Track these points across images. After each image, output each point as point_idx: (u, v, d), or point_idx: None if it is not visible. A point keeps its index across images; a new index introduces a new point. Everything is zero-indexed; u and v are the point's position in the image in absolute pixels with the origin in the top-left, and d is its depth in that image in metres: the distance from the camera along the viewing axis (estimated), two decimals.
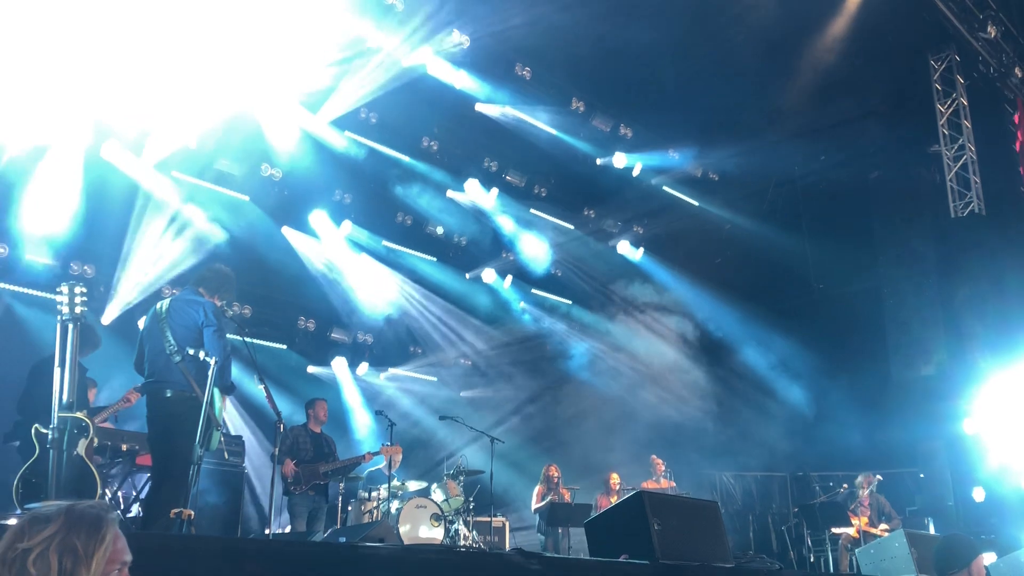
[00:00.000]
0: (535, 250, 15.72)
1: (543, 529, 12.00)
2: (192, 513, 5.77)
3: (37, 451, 6.06)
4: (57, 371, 5.60)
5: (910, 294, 14.93)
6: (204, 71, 10.31)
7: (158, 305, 6.65)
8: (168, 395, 6.29)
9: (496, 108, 13.87)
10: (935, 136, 14.10)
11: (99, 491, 6.14)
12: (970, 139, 13.82)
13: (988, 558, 8.82)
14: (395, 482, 10.36)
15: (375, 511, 10.20)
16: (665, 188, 16.61)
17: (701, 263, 17.03)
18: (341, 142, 12.71)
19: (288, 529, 9.79)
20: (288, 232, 13.17)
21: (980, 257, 13.08)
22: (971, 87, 13.94)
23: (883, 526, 11.68)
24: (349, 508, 10.35)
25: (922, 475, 14.27)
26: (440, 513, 10.00)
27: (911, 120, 14.44)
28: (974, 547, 4.48)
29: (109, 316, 11.01)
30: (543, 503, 12.03)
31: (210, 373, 6.04)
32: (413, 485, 10.89)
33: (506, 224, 15.35)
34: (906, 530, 8.36)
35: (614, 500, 11.49)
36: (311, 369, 13.90)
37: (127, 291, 11.12)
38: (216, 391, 6.21)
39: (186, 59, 10.09)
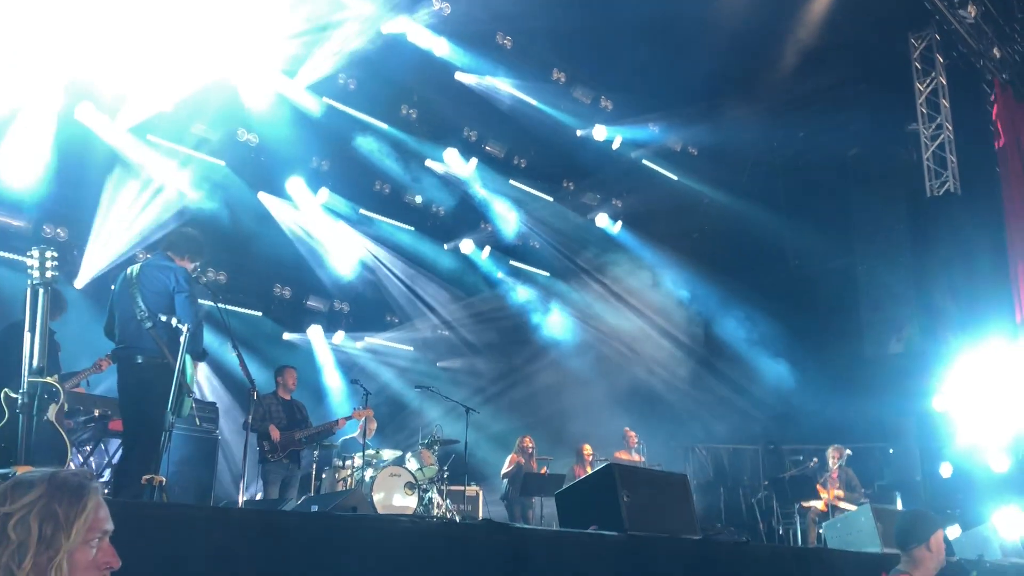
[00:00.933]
0: (513, 221, 15.70)
1: (509, 496, 12.07)
2: (163, 480, 5.76)
3: (6, 416, 6.03)
4: (27, 336, 5.55)
5: (883, 272, 15.05)
6: (181, 34, 10.17)
7: (129, 270, 6.58)
8: (139, 361, 6.25)
9: (476, 77, 13.77)
10: (913, 115, 14.11)
11: (69, 456, 6.13)
12: (948, 118, 13.86)
13: (953, 532, 9.01)
14: (369, 450, 10.39)
15: (349, 479, 10.21)
16: (644, 162, 16.59)
17: (678, 237, 17.12)
18: (319, 108, 12.54)
19: (260, 496, 9.80)
20: (265, 198, 13.07)
21: (954, 236, 13.16)
22: (950, 67, 13.96)
23: (843, 493, 11.83)
24: (323, 476, 10.37)
25: (891, 450, 14.50)
26: (414, 482, 10.03)
27: (890, 98, 14.44)
28: (934, 522, 4.53)
29: (82, 280, 10.94)
30: (512, 467, 12.13)
31: (182, 339, 6.01)
32: (387, 454, 10.90)
33: (485, 195, 15.29)
34: (872, 505, 8.49)
35: (589, 470, 11.58)
36: (287, 336, 13.88)
37: (101, 255, 11.02)
38: (188, 357, 6.18)
39: (163, 21, 9.94)
